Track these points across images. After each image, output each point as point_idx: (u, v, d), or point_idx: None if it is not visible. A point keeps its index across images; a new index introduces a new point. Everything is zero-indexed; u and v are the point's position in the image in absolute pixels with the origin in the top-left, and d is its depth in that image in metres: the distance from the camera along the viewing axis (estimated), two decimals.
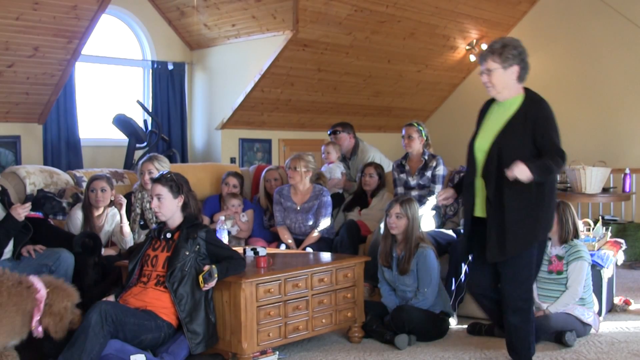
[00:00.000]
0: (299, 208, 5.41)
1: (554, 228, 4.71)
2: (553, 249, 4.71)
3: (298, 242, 5.34)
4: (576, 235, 4.70)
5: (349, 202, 5.99)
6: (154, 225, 4.35)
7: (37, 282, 3.50)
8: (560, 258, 4.65)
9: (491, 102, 3.82)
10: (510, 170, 3.44)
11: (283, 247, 5.26)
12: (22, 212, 4.21)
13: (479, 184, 3.70)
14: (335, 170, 6.11)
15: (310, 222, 5.37)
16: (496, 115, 3.71)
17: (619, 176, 7.51)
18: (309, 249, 5.16)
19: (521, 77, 3.68)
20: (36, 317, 3.45)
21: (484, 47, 9.41)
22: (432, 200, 5.41)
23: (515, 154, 3.51)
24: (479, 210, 3.73)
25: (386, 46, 8.47)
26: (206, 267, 3.75)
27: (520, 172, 3.42)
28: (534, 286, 4.73)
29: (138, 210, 5.12)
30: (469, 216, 3.80)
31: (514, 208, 3.54)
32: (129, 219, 5.04)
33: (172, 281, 3.75)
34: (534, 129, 3.56)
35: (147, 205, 5.04)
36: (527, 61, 3.70)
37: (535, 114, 3.59)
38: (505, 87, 3.67)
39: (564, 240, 4.68)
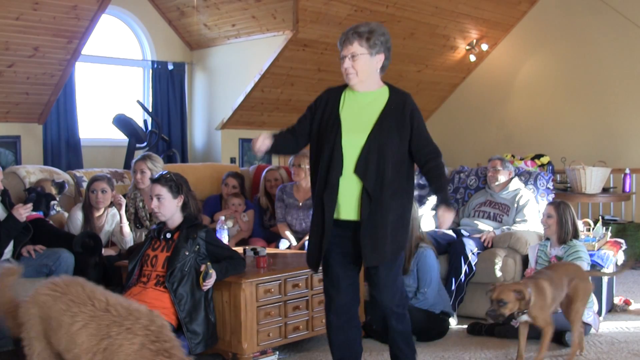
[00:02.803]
0: (301, 204, 5.42)
1: (554, 228, 4.71)
2: (552, 250, 4.71)
3: (299, 240, 5.34)
4: (575, 235, 4.69)
5: None
6: (153, 226, 4.34)
7: None
8: (559, 259, 4.65)
9: (338, 91, 3.38)
10: (443, 223, 3.27)
11: (283, 243, 5.25)
12: (23, 212, 4.22)
13: (346, 183, 3.21)
14: None
15: None
16: (359, 108, 3.29)
17: (619, 176, 7.51)
18: None
19: (383, 68, 3.31)
20: None
21: (485, 47, 9.43)
22: (432, 200, 5.41)
23: (395, 149, 3.20)
24: (345, 212, 3.23)
25: None
26: (202, 267, 3.76)
27: (450, 218, 3.27)
28: None
29: (132, 210, 5.09)
30: (329, 220, 3.22)
31: (392, 208, 3.20)
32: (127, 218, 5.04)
33: (171, 281, 3.75)
34: (411, 124, 3.24)
35: (140, 204, 5.04)
36: (391, 51, 3.33)
37: (411, 108, 3.26)
38: (369, 76, 3.28)
39: (563, 241, 4.67)
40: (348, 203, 3.22)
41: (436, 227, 5.48)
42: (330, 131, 3.26)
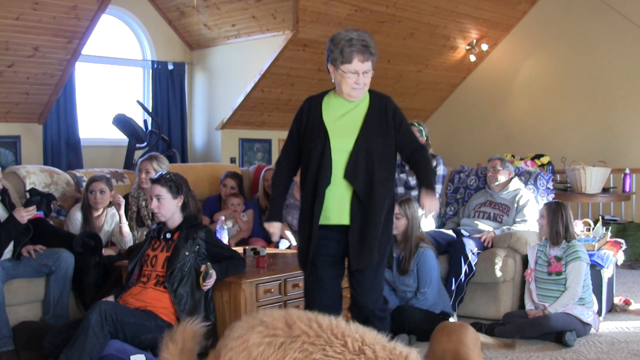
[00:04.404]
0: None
1: (545, 229, 4.70)
2: (552, 251, 4.71)
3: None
4: (567, 236, 4.67)
5: None
6: (154, 226, 4.35)
7: None
8: (558, 259, 4.65)
9: (319, 99, 3.38)
10: (427, 207, 3.27)
11: (283, 243, 5.25)
12: (25, 215, 4.20)
13: (336, 189, 3.25)
14: None
15: None
16: (342, 113, 3.31)
17: (619, 176, 7.51)
18: None
19: None
20: None
21: (485, 47, 9.43)
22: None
23: (381, 151, 3.27)
24: (336, 217, 3.27)
25: (386, 46, 8.47)
26: (202, 267, 3.76)
27: (433, 203, 3.27)
28: (533, 287, 4.75)
29: (134, 208, 5.10)
30: (314, 226, 3.26)
31: (382, 209, 3.26)
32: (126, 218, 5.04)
33: (171, 281, 3.75)
34: (394, 123, 3.31)
35: (143, 203, 5.05)
36: None
37: (392, 109, 3.33)
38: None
39: (555, 241, 4.67)
40: (339, 208, 3.27)
41: (436, 227, 5.48)
42: (316, 137, 3.29)
